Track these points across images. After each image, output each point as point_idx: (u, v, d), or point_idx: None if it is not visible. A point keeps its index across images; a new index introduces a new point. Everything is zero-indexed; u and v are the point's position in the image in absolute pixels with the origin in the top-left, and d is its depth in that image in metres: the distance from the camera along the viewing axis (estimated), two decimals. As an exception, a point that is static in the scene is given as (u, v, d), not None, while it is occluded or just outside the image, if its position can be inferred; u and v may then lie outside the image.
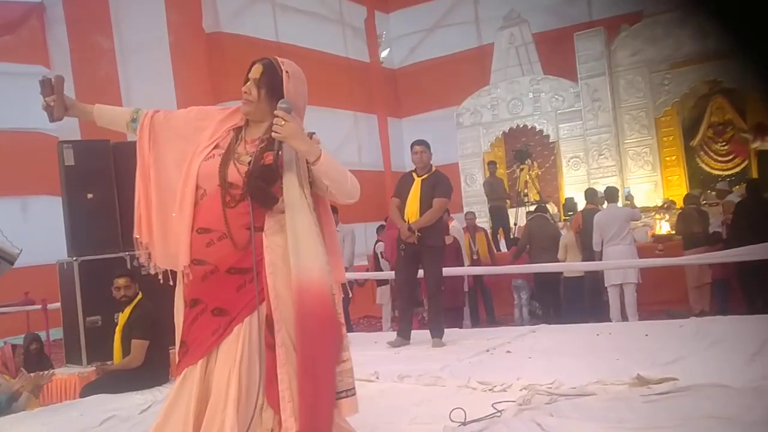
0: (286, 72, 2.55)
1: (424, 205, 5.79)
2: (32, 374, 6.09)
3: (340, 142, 15.07)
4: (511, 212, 13.67)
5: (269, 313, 2.46)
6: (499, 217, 13.15)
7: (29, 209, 11.89)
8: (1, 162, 12.10)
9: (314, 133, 2.61)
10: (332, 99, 14.75)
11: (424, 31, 17.23)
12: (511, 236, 12.45)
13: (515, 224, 13.19)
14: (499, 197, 13.24)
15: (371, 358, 5.36)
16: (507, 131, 15.35)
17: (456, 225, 9.62)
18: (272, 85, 2.55)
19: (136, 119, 2.70)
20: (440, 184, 5.89)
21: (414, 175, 5.99)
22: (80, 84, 13.10)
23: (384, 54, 18.00)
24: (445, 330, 5.98)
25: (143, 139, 2.67)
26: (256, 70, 2.58)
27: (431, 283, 6.06)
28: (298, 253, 2.44)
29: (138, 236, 2.65)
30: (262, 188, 2.47)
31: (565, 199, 13.95)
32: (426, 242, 5.80)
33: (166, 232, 2.61)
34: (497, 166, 13.91)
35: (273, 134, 2.46)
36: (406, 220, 5.83)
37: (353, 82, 16.15)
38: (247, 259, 2.47)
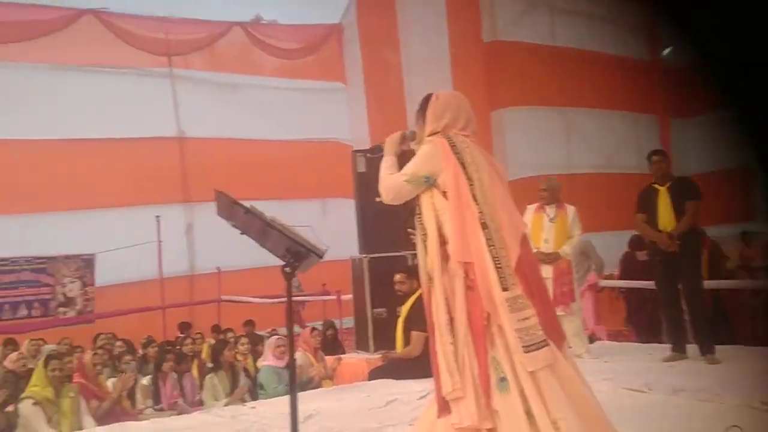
0: (436, 96, 2.99)
1: (678, 211, 5.61)
2: (328, 357, 6.96)
3: (617, 145, 14.53)
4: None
5: None
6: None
7: (328, 210, 13.29)
8: (304, 168, 13.73)
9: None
10: (608, 100, 14.26)
11: (714, 25, 15.92)
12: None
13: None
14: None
15: (643, 369, 5.26)
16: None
17: None
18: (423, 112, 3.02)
19: None
20: (690, 188, 5.75)
21: (656, 186, 5.78)
22: (371, 96, 14.34)
23: (666, 52, 16.95)
24: (724, 347, 5.64)
25: None
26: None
27: (695, 293, 5.73)
28: None
29: None
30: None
31: None
32: (686, 249, 5.57)
33: None
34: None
35: None
36: (663, 230, 5.63)
37: (631, 81, 15.46)
38: None
